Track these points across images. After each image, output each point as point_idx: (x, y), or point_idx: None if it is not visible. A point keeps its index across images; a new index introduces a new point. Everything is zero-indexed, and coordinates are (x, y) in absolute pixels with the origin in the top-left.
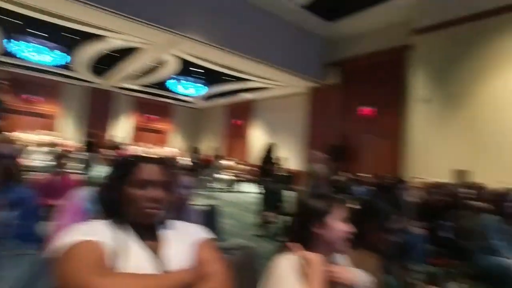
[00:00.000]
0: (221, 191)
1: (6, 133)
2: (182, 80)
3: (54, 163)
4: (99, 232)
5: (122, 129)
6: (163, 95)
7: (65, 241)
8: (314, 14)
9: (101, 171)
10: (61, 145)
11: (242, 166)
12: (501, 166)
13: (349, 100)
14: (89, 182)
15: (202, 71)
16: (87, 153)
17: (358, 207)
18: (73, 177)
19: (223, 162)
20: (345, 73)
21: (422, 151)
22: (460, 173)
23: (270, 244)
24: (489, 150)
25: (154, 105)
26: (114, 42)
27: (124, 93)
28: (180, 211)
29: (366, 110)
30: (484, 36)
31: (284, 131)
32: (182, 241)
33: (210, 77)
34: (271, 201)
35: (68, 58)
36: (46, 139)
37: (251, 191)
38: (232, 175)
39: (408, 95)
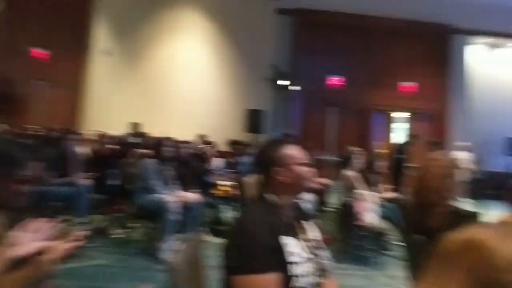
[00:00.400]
0: None
1: None
2: None
3: None
4: None
5: None
6: None
7: None
8: None
9: None
10: None
11: None
12: (165, 119)
13: (15, 37)
14: None
15: None
16: None
17: None
18: None
19: None
20: (10, 1)
21: (103, 104)
22: (134, 125)
23: None
24: (158, 105)
25: None
26: None
27: None
28: None
29: (38, 52)
30: (162, 5)
31: None
32: None
33: None
34: None
35: None
36: None
37: None
38: None
39: (90, 44)
